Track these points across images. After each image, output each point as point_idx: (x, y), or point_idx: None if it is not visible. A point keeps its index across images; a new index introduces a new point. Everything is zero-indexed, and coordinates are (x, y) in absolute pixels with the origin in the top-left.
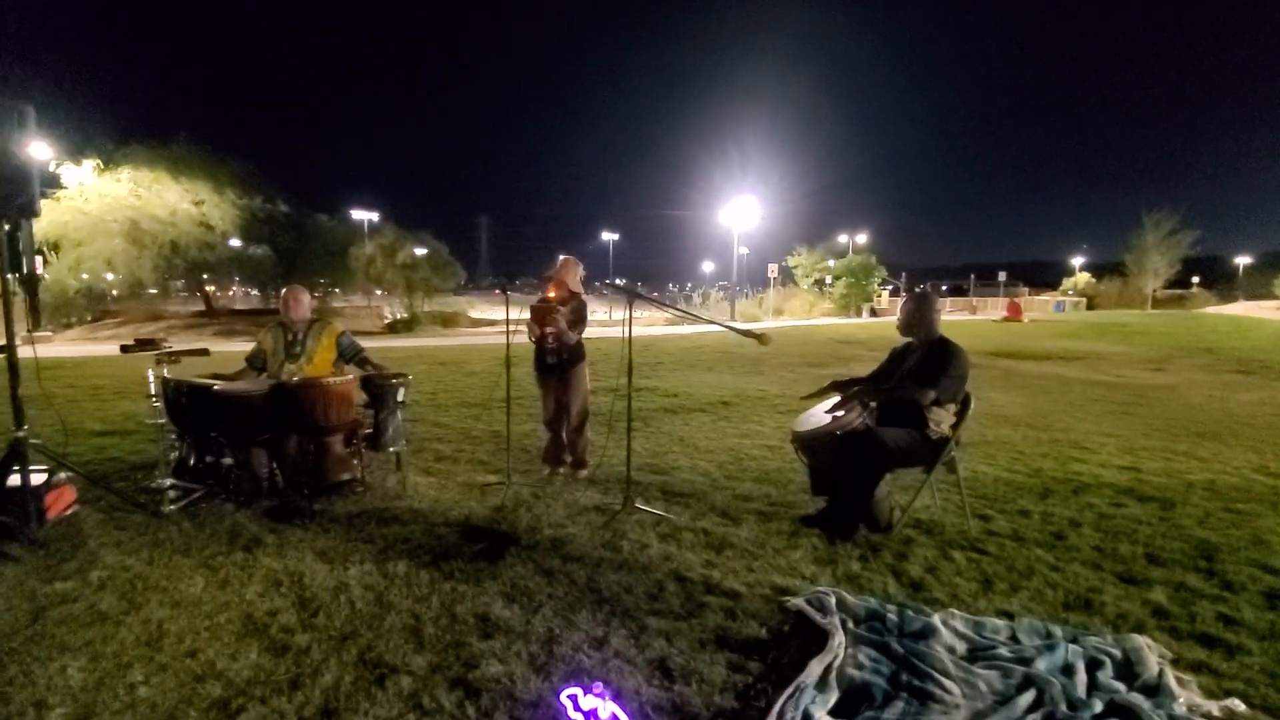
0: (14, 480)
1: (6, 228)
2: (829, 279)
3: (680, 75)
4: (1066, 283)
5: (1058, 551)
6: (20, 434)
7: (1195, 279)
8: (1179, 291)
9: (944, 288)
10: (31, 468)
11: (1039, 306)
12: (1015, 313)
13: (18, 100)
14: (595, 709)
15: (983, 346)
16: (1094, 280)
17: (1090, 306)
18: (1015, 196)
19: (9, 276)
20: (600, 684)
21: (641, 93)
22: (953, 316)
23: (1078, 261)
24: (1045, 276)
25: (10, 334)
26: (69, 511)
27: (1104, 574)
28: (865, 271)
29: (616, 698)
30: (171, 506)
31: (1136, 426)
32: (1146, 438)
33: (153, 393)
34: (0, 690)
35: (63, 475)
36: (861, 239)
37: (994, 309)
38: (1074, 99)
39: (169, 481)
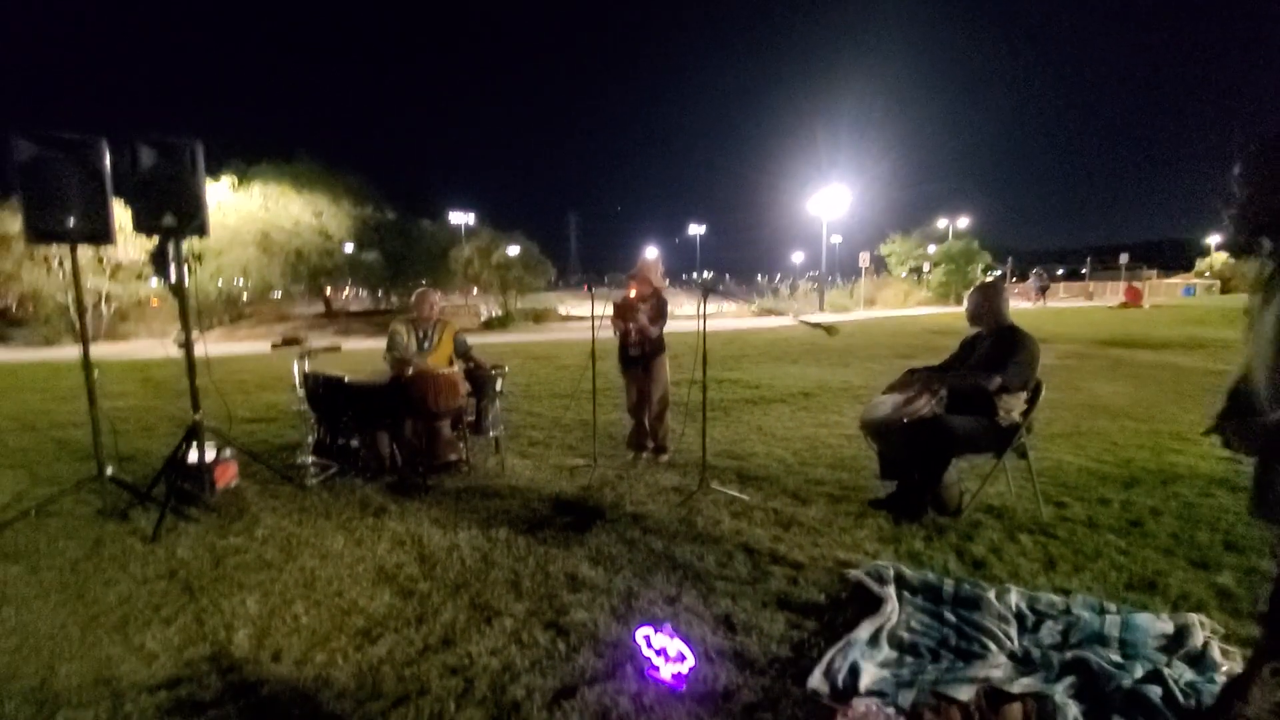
0: (192, 456)
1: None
2: (927, 266)
3: (770, 64)
4: (1202, 263)
5: (1131, 538)
6: (197, 417)
7: None
8: None
9: (1059, 271)
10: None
11: (1166, 291)
12: (1134, 298)
13: (188, 139)
14: (665, 646)
15: (1093, 335)
16: (1231, 260)
17: (1225, 290)
18: (1143, 169)
19: (158, 283)
20: (669, 624)
21: (731, 84)
22: (1065, 303)
23: (1214, 240)
24: (1178, 257)
25: (189, 336)
26: (233, 483)
27: (1175, 558)
28: (967, 257)
29: (684, 638)
30: (313, 480)
31: None
32: None
33: (297, 383)
34: (197, 616)
35: (228, 452)
36: (963, 223)
37: (1112, 295)
38: (1208, 62)
39: (310, 459)
